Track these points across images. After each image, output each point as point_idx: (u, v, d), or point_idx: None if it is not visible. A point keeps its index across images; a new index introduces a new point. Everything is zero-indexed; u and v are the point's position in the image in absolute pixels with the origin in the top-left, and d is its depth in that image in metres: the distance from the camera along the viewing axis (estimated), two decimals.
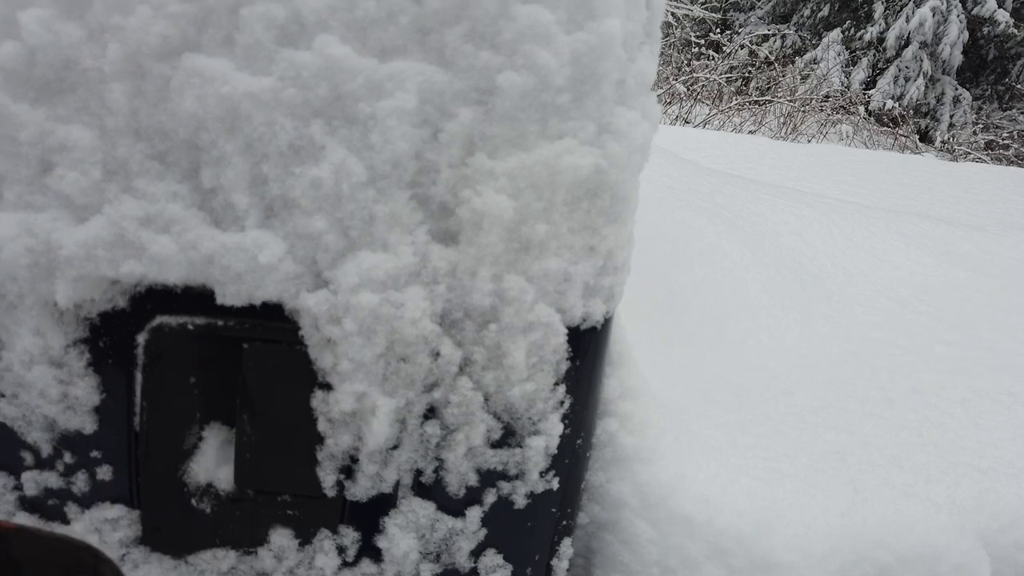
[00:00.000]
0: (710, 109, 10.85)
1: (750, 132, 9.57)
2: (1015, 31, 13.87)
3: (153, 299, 0.81)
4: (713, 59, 10.93)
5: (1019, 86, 14.69)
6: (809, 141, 10.47)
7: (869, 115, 12.52)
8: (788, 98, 11.46)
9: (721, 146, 3.74)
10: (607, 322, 0.94)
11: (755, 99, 11.23)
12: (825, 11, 14.80)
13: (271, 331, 0.82)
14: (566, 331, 0.88)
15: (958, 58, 13.86)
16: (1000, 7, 13.76)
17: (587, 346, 0.92)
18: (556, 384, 0.90)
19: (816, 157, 3.82)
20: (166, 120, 0.76)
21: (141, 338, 0.81)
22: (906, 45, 13.69)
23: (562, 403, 0.91)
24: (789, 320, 1.59)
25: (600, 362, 0.97)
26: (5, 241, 0.74)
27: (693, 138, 3.93)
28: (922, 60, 13.60)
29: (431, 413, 0.88)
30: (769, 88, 11.99)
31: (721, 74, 11.25)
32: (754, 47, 12.72)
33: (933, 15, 13.27)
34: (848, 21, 14.35)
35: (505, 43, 0.80)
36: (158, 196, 0.77)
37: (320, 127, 0.78)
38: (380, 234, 0.81)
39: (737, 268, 1.63)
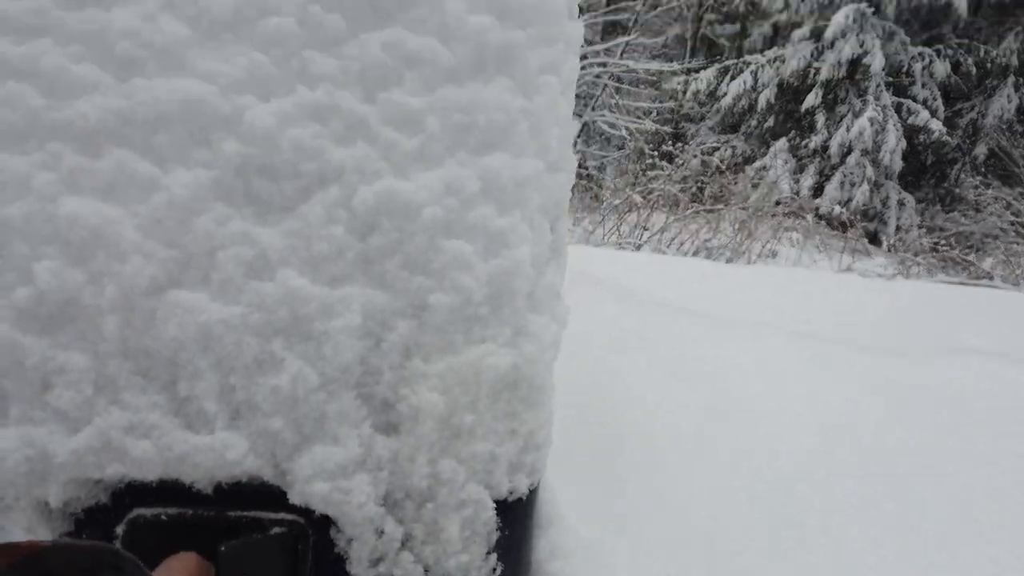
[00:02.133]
0: (667, 216, 11.33)
1: (704, 240, 9.99)
2: (948, 139, 14.82)
3: (131, 494, 0.93)
4: (666, 169, 11.51)
5: (957, 190, 15.59)
6: (764, 246, 10.94)
7: (820, 219, 13.14)
8: (741, 205, 12.03)
9: (665, 271, 3.99)
10: (532, 492, 1.08)
11: (709, 208, 11.75)
12: (771, 122, 15.74)
13: (238, 519, 0.95)
14: (494, 505, 1.02)
15: (899, 164, 14.71)
16: (933, 116, 14.77)
17: (515, 516, 1.05)
18: (488, 553, 1.02)
19: (757, 279, 4.09)
20: (150, 343, 0.91)
21: (120, 529, 0.93)
22: (849, 152, 14.54)
23: (494, 570, 1.03)
24: (719, 460, 1.74)
25: (528, 529, 1.10)
26: (7, 453, 0.86)
27: (639, 263, 4.19)
28: (865, 166, 14.42)
29: None
30: (723, 195, 12.58)
31: (676, 183, 11.81)
32: (706, 157, 13.41)
33: (871, 124, 14.17)
34: (793, 131, 15.28)
35: (435, 270, 0.97)
36: (141, 407, 0.91)
37: (280, 343, 0.94)
38: (331, 429, 0.96)
39: (671, 412, 1.79)
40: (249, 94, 0.92)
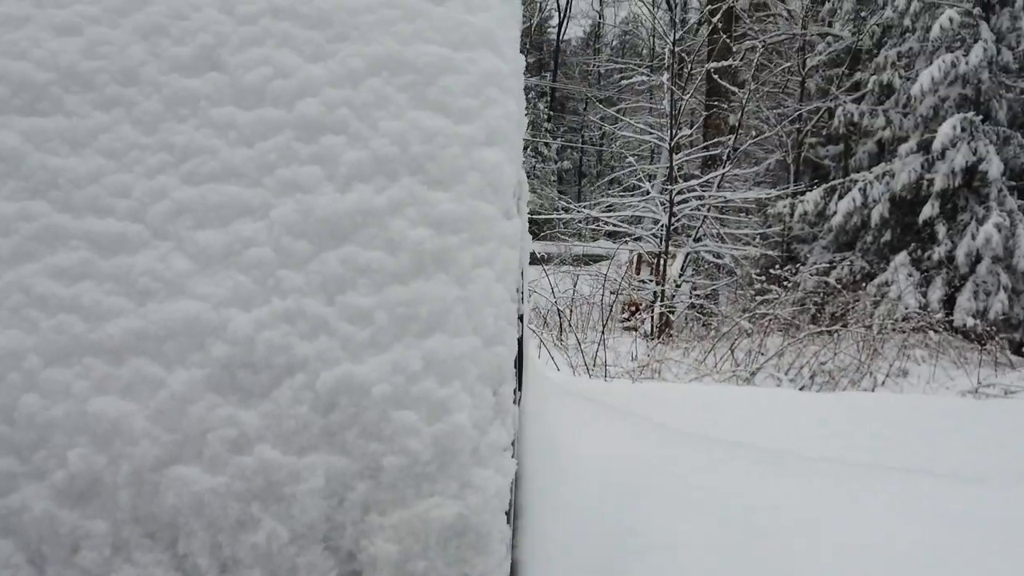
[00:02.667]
0: (783, 339, 11.02)
1: (821, 364, 9.60)
2: None
3: None
4: (777, 294, 11.32)
5: None
6: (891, 365, 10.35)
7: (955, 333, 12.35)
8: (864, 323, 11.54)
9: (751, 406, 3.94)
10: None
11: (828, 328, 11.35)
12: (887, 236, 15.24)
13: None
14: None
15: None
16: None
17: None
18: None
19: (848, 408, 3.95)
20: (156, 510, 1.13)
21: None
22: (978, 261, 13.76)
23: None
24: None
25: None
26: None
27: (719, 398, 4.16)
28: (999, 274, 13.55)
29: None
30: (844, 314, 12.14)
31: (790, 306, 11.56)
32: (822, 276, 13.10)
33: (999, 231, 13.44)
34: (912, 243, 14.69)
35: (386, 436, 1.15)
36: (148, 563, 1.12)
37: (257, 506, 1.13)
38: None
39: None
40: (234, 307, 1.18)
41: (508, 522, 1.27)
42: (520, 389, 1.28)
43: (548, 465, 1.80)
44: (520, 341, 1.45)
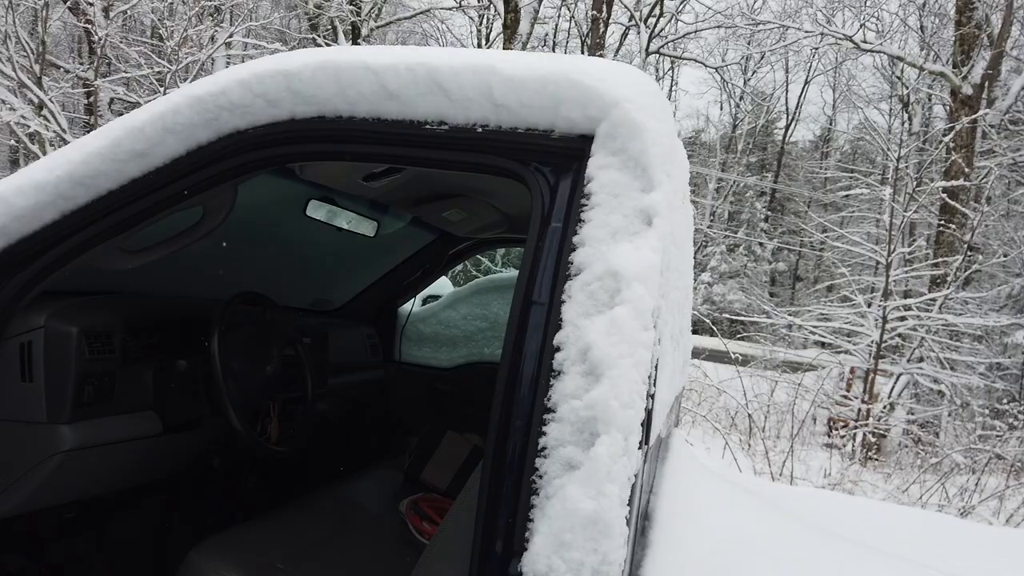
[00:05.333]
0: (1006, 480, 10.00)
1: None
2: None
3: None
4: (1001, 431, 10.32)
5: None
6: None
7: None
8: None
9: None
10: None
11: None
12: None
13: None
14: None
15: None
16: None
17: None
18: None
19: None
20: None
21: None
22: None
23: None
24: None
25: None
26: None
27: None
28: None
29: None
30: None
31: (1016, 445, 10.50)
32: None
33: None
34: None
35: None
36: None
37: None
38: None
39: None
40: None
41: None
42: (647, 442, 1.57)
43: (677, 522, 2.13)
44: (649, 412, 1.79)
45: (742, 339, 15.43)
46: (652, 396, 1.27)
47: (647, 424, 1.23)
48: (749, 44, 26.08)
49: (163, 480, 2.24)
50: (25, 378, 1.67)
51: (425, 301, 3.52)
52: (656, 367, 1.29)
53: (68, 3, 12.21)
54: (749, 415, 7.51)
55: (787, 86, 34.52)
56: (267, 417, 2.20)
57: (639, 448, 1.18)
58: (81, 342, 1.75)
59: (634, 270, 1.21)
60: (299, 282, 2.88)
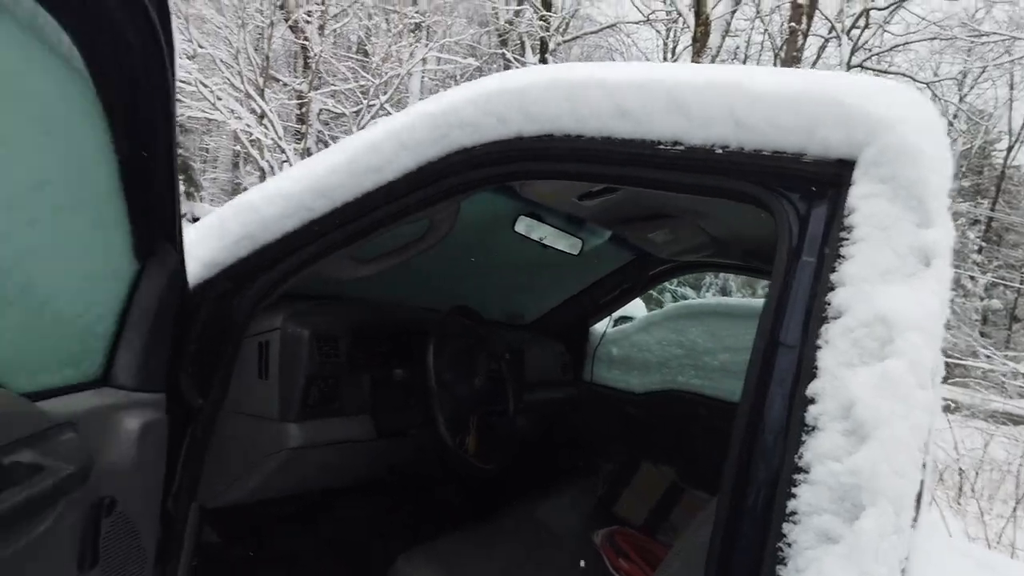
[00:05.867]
0: None
1: None
2: None
3: None
4: None
5: None
6: None
7: None
8: None
9: None
10: None
11: None
12: None
13: None
14: None
15: None
16: None
17: None
18: None
19: None
20: None
21: None
22: None
23: None
24: None
25: None
26: None
27: None
28: None
29: None
30: None
31: None
32: None
33: None
34: None
35: None
36: None
37: None
38: None
39: None
40: None
41: None
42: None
43: None
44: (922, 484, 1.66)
45: (944, 381, 13.87)
46: (925, 465, 1.10)
47: (919, 498, 1.07)
48: (968, 57, 23.67)
49: (366, 484, 2.32)
50: (262, 376, 1.77)
51: (617, 322, 3.43)
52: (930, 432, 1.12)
53: (290, 22, 13.38)
54: (960, 470, 6.71)
55: (1011, 104, 30.94)
56: (466, 430, 2.21)
57: (911, 526, 1.01)
58: (312, 345, 1.84)
59: (910, 318, 1.06)
60: (498, 296, 2.90)
